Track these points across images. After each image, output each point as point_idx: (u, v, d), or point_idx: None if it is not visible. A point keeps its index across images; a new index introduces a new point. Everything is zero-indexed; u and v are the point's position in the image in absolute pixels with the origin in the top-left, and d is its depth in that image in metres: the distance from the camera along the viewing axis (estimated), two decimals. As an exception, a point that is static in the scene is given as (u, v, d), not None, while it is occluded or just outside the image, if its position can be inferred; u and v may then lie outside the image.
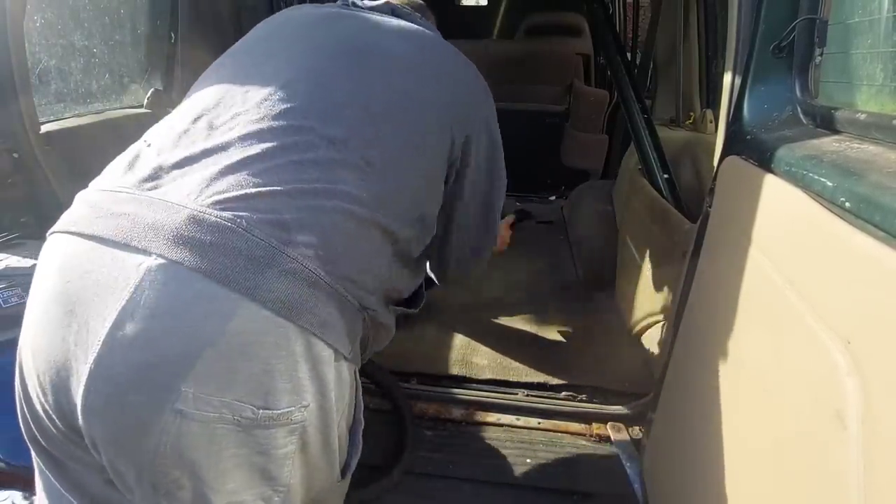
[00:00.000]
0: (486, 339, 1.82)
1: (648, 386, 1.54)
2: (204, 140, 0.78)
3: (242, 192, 0.72)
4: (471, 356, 1.73)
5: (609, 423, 1.50)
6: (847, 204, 0.61)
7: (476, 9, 4.17)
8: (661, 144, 1.77)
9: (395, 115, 0.87)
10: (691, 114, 2.12)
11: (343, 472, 0.89)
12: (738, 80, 1.03)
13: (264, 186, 0.74)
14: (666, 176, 1.71)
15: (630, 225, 2.00)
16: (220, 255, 0.68)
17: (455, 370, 1.66)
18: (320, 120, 0.81)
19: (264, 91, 0.83)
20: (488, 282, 2.21)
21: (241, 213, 0.70)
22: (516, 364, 1.69)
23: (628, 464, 1.38)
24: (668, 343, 1.20)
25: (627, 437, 1.46)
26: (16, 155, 1.41)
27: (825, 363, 0.59)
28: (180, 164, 0.76)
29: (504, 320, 1.95)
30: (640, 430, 1.46)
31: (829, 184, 0.65)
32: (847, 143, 0.75)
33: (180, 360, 0.66)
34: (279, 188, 0.74)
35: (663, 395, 1.22)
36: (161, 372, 0.66)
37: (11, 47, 1.33)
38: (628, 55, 3.18)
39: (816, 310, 0.63)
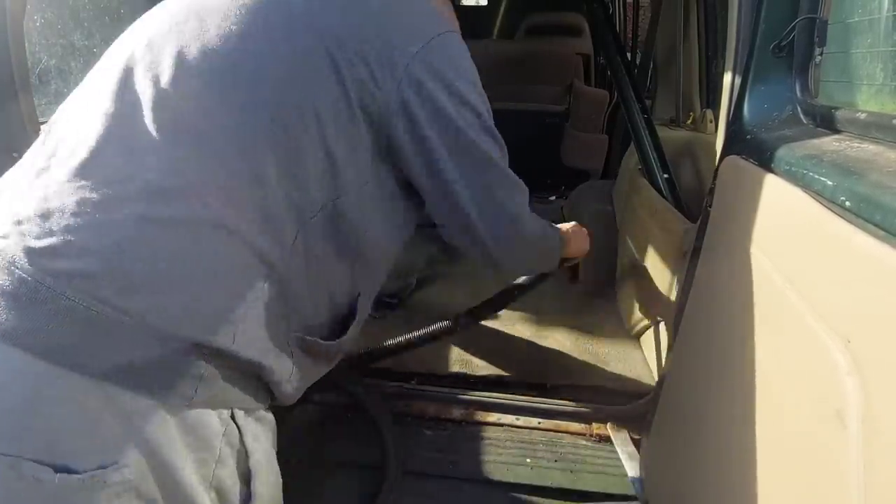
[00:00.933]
0: (486, 339, 1.82)
1: (648, 386, 1.54)
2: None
3: (12, 212, 0.62)
4: (471, 356, 1.73)
5: (609, 423, 1.50)
6: (847, 203, 0.61)
7: (476, 9, 4.16)
8: (661, 144, 1.77)
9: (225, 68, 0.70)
10: (691, 114, 2.12)
11: None
12: (738, 80, 1.03)
13: (35, 202, 0.62)
14: (666, 176, 1.71)
15: (630, 225, 2.00)
16: None
17: (455, 370, 1.66)
18: (108, 94, 0.69)
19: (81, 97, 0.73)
20: (488, 282, 2.21)
21: (9, 241, 0.60)
22: (516, 364, 1.68)
23: (628, 464, 1.38)
24: (667, 343, 1.20)
25: (627, 438, 1.46)
26: (15, 155, 1.40)
27: (825, 362, 0.59)
28: None
29: (504, 320, 1.95)
30: (639, 429, 1.46)
31: (830, 183, 0.65)
32: (847, 142, 0.75)
33: None
34: (52, 204, 0.62)
35: (663, 395, 1.21)
36: None
37: (11, 47, 1.33)
38: (628, 55, 3.18)
39: (816, 309, 0.63)
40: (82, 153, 0.65)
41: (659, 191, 1.71)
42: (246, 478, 0.76)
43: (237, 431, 0.73)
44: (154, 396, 0.62)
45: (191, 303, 0.64)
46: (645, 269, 1.73)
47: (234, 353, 0.67)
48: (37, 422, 0.59)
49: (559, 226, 1.07)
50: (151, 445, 0.63)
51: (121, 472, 0.61)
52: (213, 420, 0.69)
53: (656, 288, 1.61)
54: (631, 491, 1.31)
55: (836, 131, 0.80)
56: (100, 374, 0.59)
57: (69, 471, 0.59)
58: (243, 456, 0.75)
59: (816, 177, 0.68)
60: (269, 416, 0.80)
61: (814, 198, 0.68)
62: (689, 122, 2.13)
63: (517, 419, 1.52)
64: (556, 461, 1.40)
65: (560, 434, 1.49)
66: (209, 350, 0.65)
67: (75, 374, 0.59)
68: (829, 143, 0.76)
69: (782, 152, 0.79)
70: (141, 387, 0.61)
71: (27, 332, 0.58)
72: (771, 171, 0.81)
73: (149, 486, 0.64)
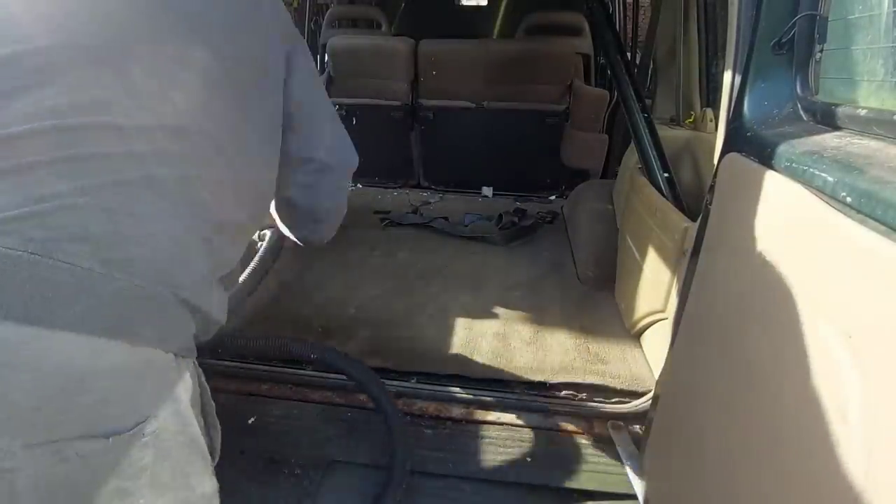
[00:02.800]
0: (486, 339, 1.82)
1: (648, 385, 1.54)
2: None
3: (17, 206, 0.62)
4: (471, 356, 1.73)
5: (609, 423, 1.50)
6: (848, 199, 0.61)
7: (476, 9, 4.16)
8: (661, 143, 1.77)
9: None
10: (691, 113, 2.12)
11: (212, 455, 0.86)
12: (738, 77, 1.03)
13: (32, 188, 0.63)
14: (666, 175, 1.70)
15: (630, 224, 2.00)
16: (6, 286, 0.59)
17: (455, 370, 1.66)
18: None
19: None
20: (488, 281, 2.21)
21: (10, 231, 0.61)
22: (516, 364, 1.68)
23: (628, 463, 1.38)
24: (668, 342, 1.20)
25: (627, 437, 1.46)
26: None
27: (826, 358, 0.59)
28: None
29: (504, 320, 1.94)
30: (640, 429, 1.46)
31: (831, 179, 0.65)
32: (848, 138, 0.75)
33: None
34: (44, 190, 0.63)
35: (663, 394, 1.21)
36: None
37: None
38: (628, 55, 3.17)
39: (818, 305, 0.63)
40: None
41: (659, 190, 1.71)
42: (206, 409, 0.87)
43: (199, 373, 0.84)
44: (174, 350, 0.72)
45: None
46: (645, 268, 1.73)
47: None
48: (85, 398, 0.62)
49: None
50: (175, 395, 0.72)
51: (153, 422, 0.68)
52: (191, 365, 0.79)
53: (657, 287, 1.61)
54: (631, 490, 1.31)
55: (837, 128, 0.80)
56: (144, 339, 0.66)
57: (117, 433, 0.64)
58: (200, 391, 0.85)
59: (817, 173, 0.67)
60: None
61: (814, 194, 0.68)
62: (689, 121, 2.13)
63: (517, 418, 1.52)
64: (556, 460, 1.40)
65: (560, 433, 1.49)
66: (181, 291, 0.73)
67: (124, 342, 0.64)
68: (829, 140, 0.76)
69: (783, 149, 0.79)
70: (168, 344, 0.70)
71: (60, 314, 0.60)
72: (771, 167, 0.81)
73: (168, 432, 0.71)
